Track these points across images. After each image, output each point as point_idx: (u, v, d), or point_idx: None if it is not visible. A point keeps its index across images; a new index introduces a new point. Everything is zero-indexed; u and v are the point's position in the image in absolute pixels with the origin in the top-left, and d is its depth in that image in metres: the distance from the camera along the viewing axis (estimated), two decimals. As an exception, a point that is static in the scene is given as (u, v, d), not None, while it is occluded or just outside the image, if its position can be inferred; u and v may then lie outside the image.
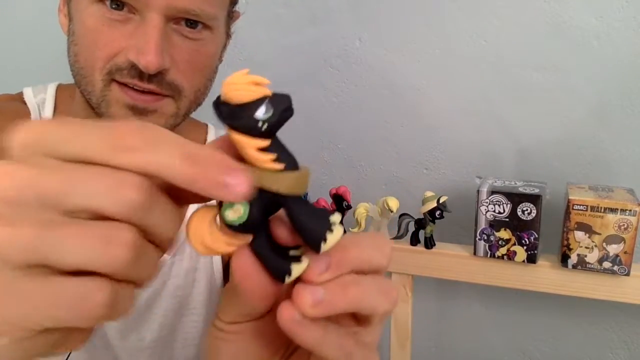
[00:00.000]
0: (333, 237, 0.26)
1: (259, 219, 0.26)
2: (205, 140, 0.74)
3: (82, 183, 0.22)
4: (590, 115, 0.86)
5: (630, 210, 0.73)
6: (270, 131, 0.25)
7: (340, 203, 0.89)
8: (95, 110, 0.58)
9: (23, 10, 1.15)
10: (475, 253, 0.83)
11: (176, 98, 0.58)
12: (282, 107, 0.25)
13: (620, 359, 0.94)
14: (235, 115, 0.25)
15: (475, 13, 0.89)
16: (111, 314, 0.23)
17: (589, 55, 0.84)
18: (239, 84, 0.25)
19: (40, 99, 0.67)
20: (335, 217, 0.27)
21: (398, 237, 0.88)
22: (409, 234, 0.88)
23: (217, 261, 0.70)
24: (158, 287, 0.67)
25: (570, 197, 0.76)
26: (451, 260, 0.86)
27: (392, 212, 0.83)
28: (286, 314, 0.26)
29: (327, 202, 0.91)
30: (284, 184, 0.26)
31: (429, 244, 0.86)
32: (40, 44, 1.14)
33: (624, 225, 0.74)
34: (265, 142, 0.25)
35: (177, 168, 0.23)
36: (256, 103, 0.25)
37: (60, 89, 0.69)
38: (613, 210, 0.74)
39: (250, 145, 0.25)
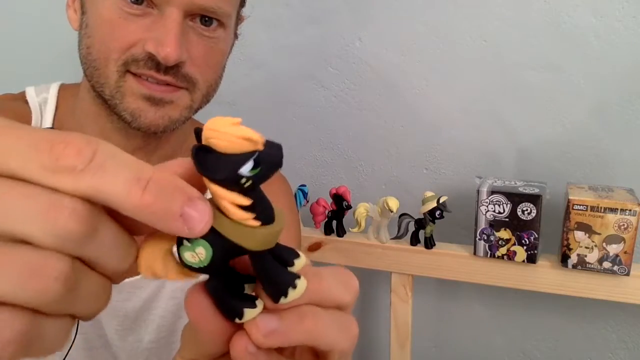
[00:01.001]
0: (295, 293, 0.25)
1: (220, 265, 0.24)
2: None
3: (7, 204, 0.19)
4: (590, 115, 0.86)
5: (630, 210, 0.73)
6: (253, 188, 0.22)
7: (340, 203, 0.89)
8: (109, 103, 0.59)
9: (26, 8, 1.15)
10: (475, 253, 0.83)
11: (191, 90, 0.60)
12: (272, 162, 0.22)
13: (620, 358, 0.94)
14: (215, 166, 0.21)
15: (475, 13, 0.89)
16: (27, 351, 0.20)
17: (589, 55, 0.84)
18: (228, 134, 0.21)
19: (42, 99, 0.67)
20: (301, 261, 0.25)
21: (398, 237, 0.88)
22: (409, 234, 0.88)
23: None
24: (156, 289, 0.67)
25: (570, 197, 0.76)
26: (451, 260, 0.86)
27: (392, 212, 0.83)
28: (239, 345, 0.25)
29: (327, 202, 0.91)
30: (254, 241, 0.23)
31: (429, 244, 0.86)
32: (44, 43, 1.14)
33: (624, 225, 0.74)
34: (247, 201, 0.22)
35: (122, 194, 0.20)
36: (243, 157, 0.21)
37: (62, 88, 0.70)
38: (613, 210, 0.74)
39: (228, 199, 0.22)
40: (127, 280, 0.66)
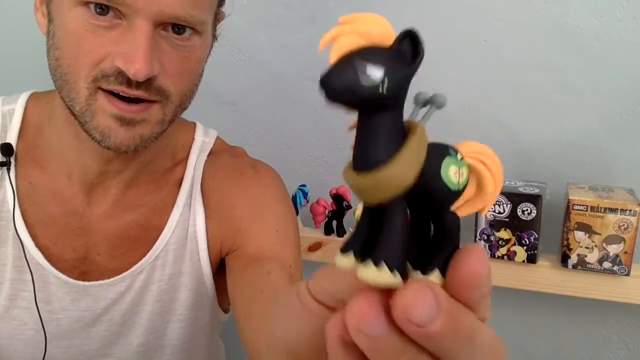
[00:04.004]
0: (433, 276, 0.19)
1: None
2: (193, 139, 0.72)
3: None
4: (590, 115, 0.86)
5: (630, 210, 0.73)
6: (360, 116, 0.20)
7: (341, 203, 0.89)
8: (78, 119, 0.56)
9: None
10: (475, 253, 0.83)
11: (163, 104, 0.57)
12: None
13: (620, 359, 0.94)
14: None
15: (475, 13, 0.89)
16: None
17: (589, 56, 0.84)
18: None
19: (9, 110, 0.66)
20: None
21: (398, 237, 0.88)
22: (409, 234, 0.88)
23: (206, 265, 0.68)
24: (141, 292, 0.67)
25: (570, 197, 0.76)
26: (451, 260, 0.86)
27: (392, 212, 0.83)
28: (332, 329, 0.22)
29: (327, 202, 0.91)
30: (350, 187, 0.20)
31: (429, 244, 0.86)
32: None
33: (624, 225, 0.74)
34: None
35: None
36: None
37: (33, 97, 0.68)
38: (613, 210, 0.74)
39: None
40: (110, 285, 0.66)
